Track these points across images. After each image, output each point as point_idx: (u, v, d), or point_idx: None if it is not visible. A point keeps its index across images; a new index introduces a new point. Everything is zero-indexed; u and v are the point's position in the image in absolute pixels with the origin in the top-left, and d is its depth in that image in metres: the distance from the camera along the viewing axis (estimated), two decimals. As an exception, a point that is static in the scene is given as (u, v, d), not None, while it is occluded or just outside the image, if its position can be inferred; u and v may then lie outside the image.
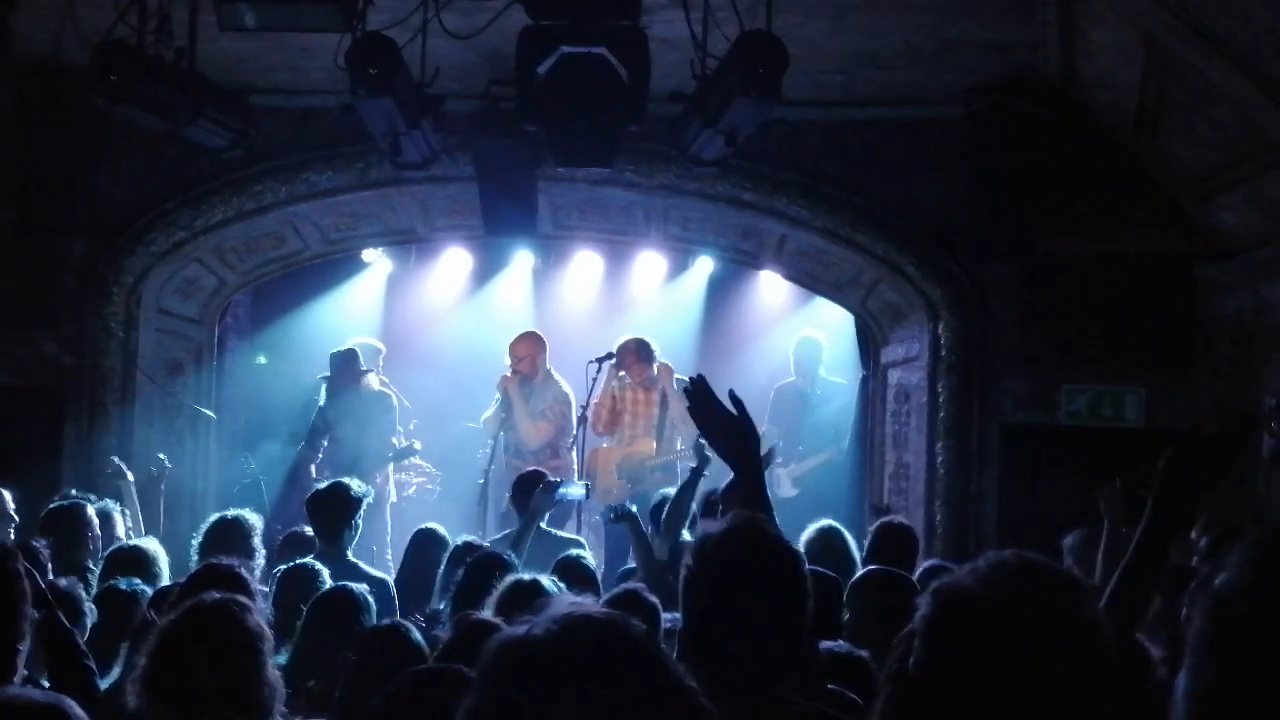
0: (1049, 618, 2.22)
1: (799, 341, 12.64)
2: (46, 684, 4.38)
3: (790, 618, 3.13)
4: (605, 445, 12.05)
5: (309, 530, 8.00)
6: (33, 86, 9.14)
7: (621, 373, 11.92)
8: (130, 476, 8.87)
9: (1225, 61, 7.61)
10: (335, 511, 7.59)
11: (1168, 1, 7.47)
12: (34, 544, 5.65)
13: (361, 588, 5.86)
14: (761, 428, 12.37)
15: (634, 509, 7.74)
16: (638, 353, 11.85)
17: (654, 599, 5.18)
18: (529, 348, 11.88)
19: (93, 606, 5.92)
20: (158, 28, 7.42)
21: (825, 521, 8.10)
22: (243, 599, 3.81)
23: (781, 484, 12.34)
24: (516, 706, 1.87)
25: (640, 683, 1.89)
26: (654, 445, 11.75)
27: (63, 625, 4.68)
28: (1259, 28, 7.13)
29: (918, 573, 7.04)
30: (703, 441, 8.25)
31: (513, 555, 6.68)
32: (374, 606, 5.78)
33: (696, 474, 8.20)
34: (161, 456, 9.31)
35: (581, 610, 1.96)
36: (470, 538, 7.51)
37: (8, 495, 7.75)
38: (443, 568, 7.15)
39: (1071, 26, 8.55)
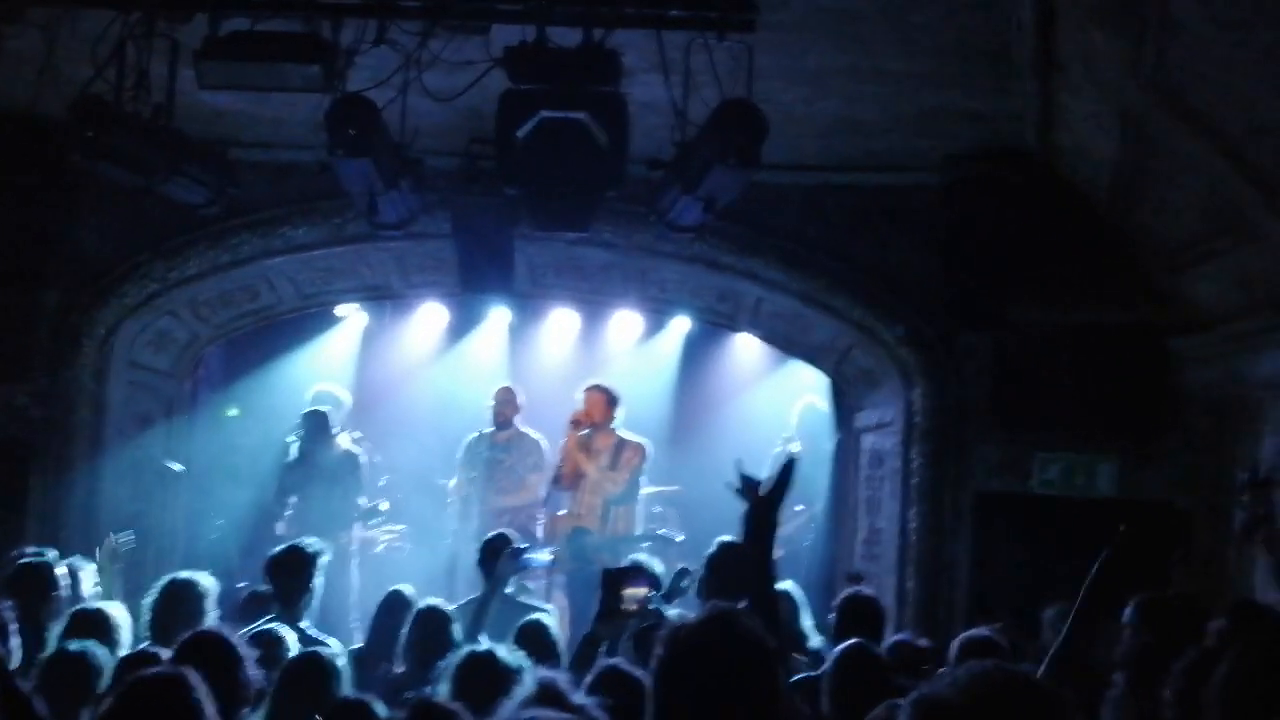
0: None
1: (806, 408, 12.63)
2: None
3: (764, 717, 3.07)
4: (562, 512, 11.69)
5: (269, 588, 7.91)
6: (8, 138, 9.10)
7: (580, 428, 11.67)
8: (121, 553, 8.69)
9: (1201, 136, 7.65)
10: (293, 577, 7.49)
11: (1145, 76, 7.50)
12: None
13: (331, 652, 5.80)
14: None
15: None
16: (607, 399, 11.69)
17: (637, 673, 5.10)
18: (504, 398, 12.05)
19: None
20: (136, 83, 7.37)
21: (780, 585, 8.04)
22: (185, 673, 3.75)
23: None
24: None
25: None
26: (599, 521, 11.55)
27: (19, 694, 4.58)
28: (1234, 105, 7.18)
29: (885, 645, 7.02)
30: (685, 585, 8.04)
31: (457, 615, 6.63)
32: (344, 672, 5.71)
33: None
34: (130, 534, 9.08)
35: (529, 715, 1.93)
36: (435, 601, 7.43)
37: None
38: (406, 631, 7.09)
39: (1050, 97, 8.58)
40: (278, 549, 7.82)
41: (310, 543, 7.73)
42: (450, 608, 7.33)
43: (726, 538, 7.88)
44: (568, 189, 7.31)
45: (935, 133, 9.40)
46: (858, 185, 10.28)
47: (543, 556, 7.57)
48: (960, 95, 8.72)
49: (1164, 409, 9.85)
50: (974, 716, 2.22)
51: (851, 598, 7.40)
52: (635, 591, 5.46)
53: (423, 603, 7.37)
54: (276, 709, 5.42)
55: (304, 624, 7.41)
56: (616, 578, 5.50)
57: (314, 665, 5.65)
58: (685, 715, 3.01)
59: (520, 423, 12.07)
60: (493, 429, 12.21)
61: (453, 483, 12.11)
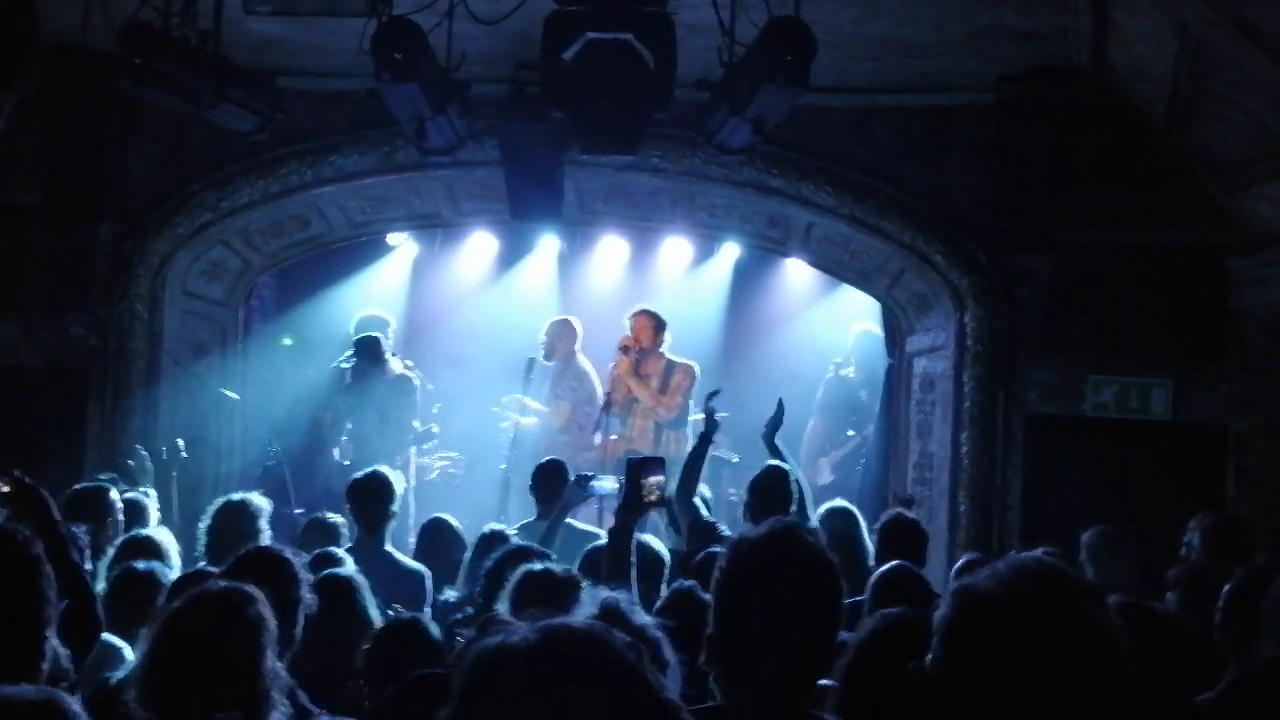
0: (1064, 624, 2.25)
1: (861, 334, 12.64)
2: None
3: (825, 631, 3.06)
4: (614, 436, 11.66)
5: (331, 516, 7.98)
6: (60, 70, 9.13)
7: (628, 352, 11.63)
8: (149, 467, 8.81)
9: (1260, 51, 7.52)
10: (376, 501, 7.55)
11: (1202, -10, 7.38)
12: (73, 529, 5.60)
13: (350, 571, 5.77)
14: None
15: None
16: (655, 323, 11.70)
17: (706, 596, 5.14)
18: (557, 332, 12.12)
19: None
20: (183, 10, 7.40)
21: (837, 502, 8.11)
22: (248, 588, 3.75)
23: (821, 471, 12.39)
24: (490, 718, 1.84)
25: (618, 697, 1.86)
26: (651, 445, 11.51)
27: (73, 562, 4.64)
28: (1295, 18, 7.05)
29: (956, 565, 7.02)
30: (713, 405, 8.25)
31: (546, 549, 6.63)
32: (366, 588, 5.67)
33: (705, 440, 8.17)
34: (179, 441, 9.27)
35: (562, 621, 1.93)
36: (498, 526, 7.45)
37: None
38: (468, 555, 7.12)
39: (1104, 14, 8.46)
40: (359, 475, 7.86)
41: (389, 471, 7.79)
42: (511, 531, 7.35)
43: (772, 462, 7.98)
44: (615, 111, 7.27)
45: (987, 53, 9.27)
46: (908, 107, 10.18)
47: (608, 484, 7.54)
48: (1012, 14, 8.59)
49: (1221, 331, 9.72)
50: (1014, 607, 2.25)
51: (893, 520, 7.39)
52: (656, 479, 5.48)
53: (487, 527, 7.40)
54: (306, 630, 5.44)
55: (388, 548, 7.50)
56: (638, 467, 5.50)
57: (336, 585, 5.62)
58: (748, 627, 3.00)
59: (574, 350, 12.16)
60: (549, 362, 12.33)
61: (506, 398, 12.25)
